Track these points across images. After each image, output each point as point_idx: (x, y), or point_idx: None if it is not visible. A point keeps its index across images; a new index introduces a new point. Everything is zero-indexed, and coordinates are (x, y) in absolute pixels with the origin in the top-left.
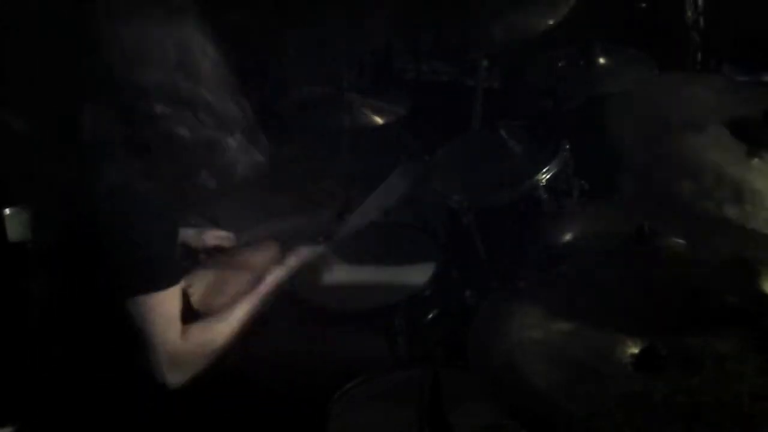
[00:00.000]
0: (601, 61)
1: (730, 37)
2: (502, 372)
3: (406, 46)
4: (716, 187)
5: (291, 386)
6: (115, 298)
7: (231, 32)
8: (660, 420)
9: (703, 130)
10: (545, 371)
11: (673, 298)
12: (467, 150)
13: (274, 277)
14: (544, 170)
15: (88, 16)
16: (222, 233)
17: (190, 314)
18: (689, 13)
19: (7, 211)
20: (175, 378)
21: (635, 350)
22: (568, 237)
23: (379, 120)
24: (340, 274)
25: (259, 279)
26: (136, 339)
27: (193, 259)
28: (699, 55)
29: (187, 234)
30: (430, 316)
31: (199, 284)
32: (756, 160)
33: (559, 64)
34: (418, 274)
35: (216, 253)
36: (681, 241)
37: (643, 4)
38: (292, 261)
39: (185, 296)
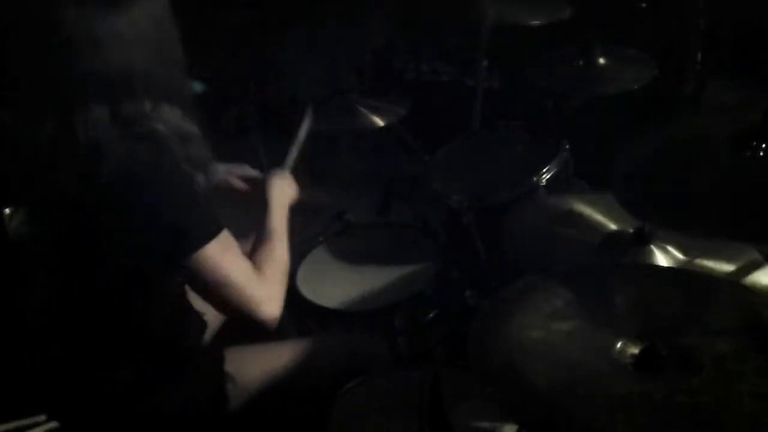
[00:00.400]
0: (601, 61)
1: (730, 37)
2: (502, 372)
3: (406, 46)
4: None
5: (291, 386)
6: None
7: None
8: (660, 420)
9: None
10: (545, 371)
11: (673, 298)
12: (467, 150)
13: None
14: (544, 170)
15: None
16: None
17: None
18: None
19: (7, 211)
20: (272, 309)
21: (635, 350)
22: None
23: (379, 121)
24: (340, 274)
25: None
26: (136, 338)
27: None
28: (699, 55)
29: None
30: (430, 316)
31: None
32: None
33: (559, 64)
34: (418, 274)
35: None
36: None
37: (643, 4)
38: (273, 181)
39: None
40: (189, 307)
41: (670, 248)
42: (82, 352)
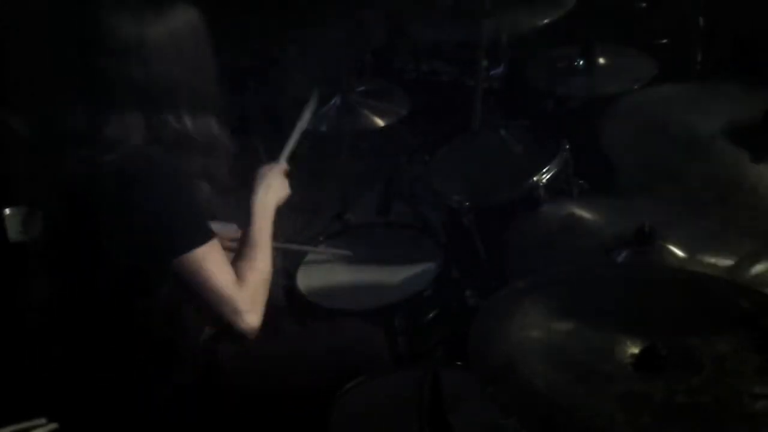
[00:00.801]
0: (601, 61)
1: (730, 37)
2: (502, 372)
3: (406, 46)
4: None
5: (291, 386)
6: (164, 262)
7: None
8: (660, 420)
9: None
10: (545, 371)
11: (673, 298)
12: (467, 150)
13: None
14: (544, 170)
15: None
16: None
17: None
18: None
19: (7, 211)
20: (252, 319)
21: (635, 350)
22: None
23: (379, 121)
24: (340, 274)
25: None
26: (136, 338)
27: None
28: (699, 56)
29: None
30: (430, 316)
31: None
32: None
33: (559, 64)
34: (418, 274)
35: None
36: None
37: (643, 4)
38: (260, 179)
39: None
40: (188, 307)
41: (670, 248)
42: (82, 352)
